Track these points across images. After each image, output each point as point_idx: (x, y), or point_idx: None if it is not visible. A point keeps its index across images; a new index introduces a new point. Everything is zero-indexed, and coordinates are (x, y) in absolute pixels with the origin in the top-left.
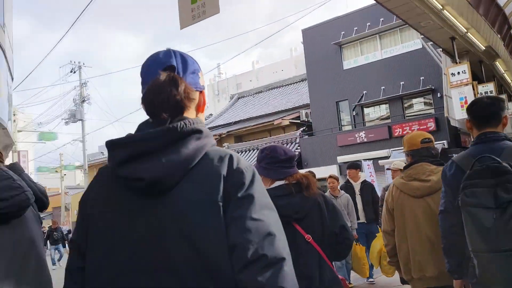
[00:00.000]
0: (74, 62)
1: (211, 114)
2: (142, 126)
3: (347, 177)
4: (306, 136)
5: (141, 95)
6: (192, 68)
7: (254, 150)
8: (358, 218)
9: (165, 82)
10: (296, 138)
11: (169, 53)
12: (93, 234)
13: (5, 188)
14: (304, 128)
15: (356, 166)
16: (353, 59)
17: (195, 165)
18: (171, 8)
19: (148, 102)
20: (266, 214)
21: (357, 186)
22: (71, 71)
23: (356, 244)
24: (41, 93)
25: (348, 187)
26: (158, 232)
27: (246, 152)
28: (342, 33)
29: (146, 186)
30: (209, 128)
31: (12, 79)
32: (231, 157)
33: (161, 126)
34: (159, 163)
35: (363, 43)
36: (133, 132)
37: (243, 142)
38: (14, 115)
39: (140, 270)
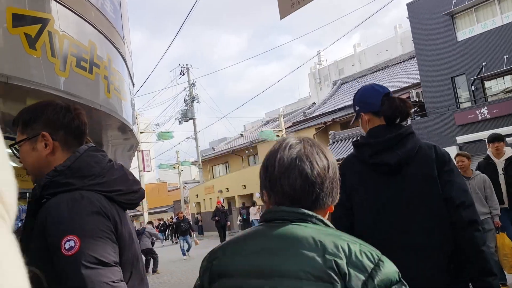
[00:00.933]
0: (183, 65)
1: (314, 103)
2: (375, 131)
3: (487, 152)
4: (419, 117)
5: (243, 91)
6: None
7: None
8: (501, 203)
9: (401, 103)
10: (408, 120)
11: (380, 85)
12: (356, 196)
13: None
14: (415, 109)
15: (502, 138)
16: (468, 28)
17: (415, 153)
18: (267, 5)
19: (389, 114)
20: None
21: (500, 164)
22: (180, 74)
23: (498, 234)
24: (157, 97)
25: (488, 165)
26: (399, 194)
27: (352, 139)
28: (453, 1)
29: (391, 168)
30: (314, 117)
31: (133, 85)
32: (435, 146)
33: (392, 129)
34: (396, 153)
35: (478, 10)
36: (241, 124)
37: (349, 129)
38: (136, 118)
39: (391, 214)
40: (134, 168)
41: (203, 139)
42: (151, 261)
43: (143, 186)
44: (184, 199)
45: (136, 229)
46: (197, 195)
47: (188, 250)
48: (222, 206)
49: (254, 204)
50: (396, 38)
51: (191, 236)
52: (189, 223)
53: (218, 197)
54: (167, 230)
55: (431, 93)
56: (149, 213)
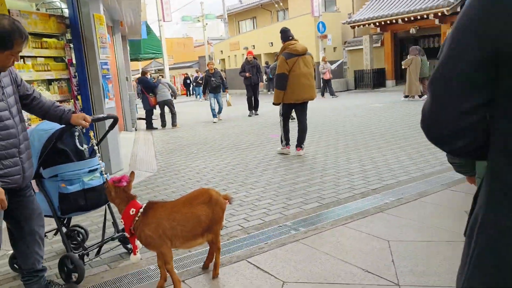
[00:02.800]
0: None
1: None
2: None
3: None
4: None
5: None
6: None
7: None
8: None
9: None
10: None
11: None
12: None
13: None
14: None
15: None
16: None
17: None
18: None
19: None
20: None
21: None
22: None
23: None
24: None
25: None
26: None
27: None
28: None
29: None
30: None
31: None
32: None
33: None
34: None
35: None
36: None
37: None
38: None
39: None
40: (154, 20)
41: None
42: (169, 115)
43: (164, 39)
44: (209, 55)
45: (153, 82)
46: (222, 51)
47: (219, 112)
48: (254, 58)
49: None
50: None
51: (223, 93)
52: (222, 77)
53: (247, 48)
54: (191, 85)
55: None
56: (174, 68)
